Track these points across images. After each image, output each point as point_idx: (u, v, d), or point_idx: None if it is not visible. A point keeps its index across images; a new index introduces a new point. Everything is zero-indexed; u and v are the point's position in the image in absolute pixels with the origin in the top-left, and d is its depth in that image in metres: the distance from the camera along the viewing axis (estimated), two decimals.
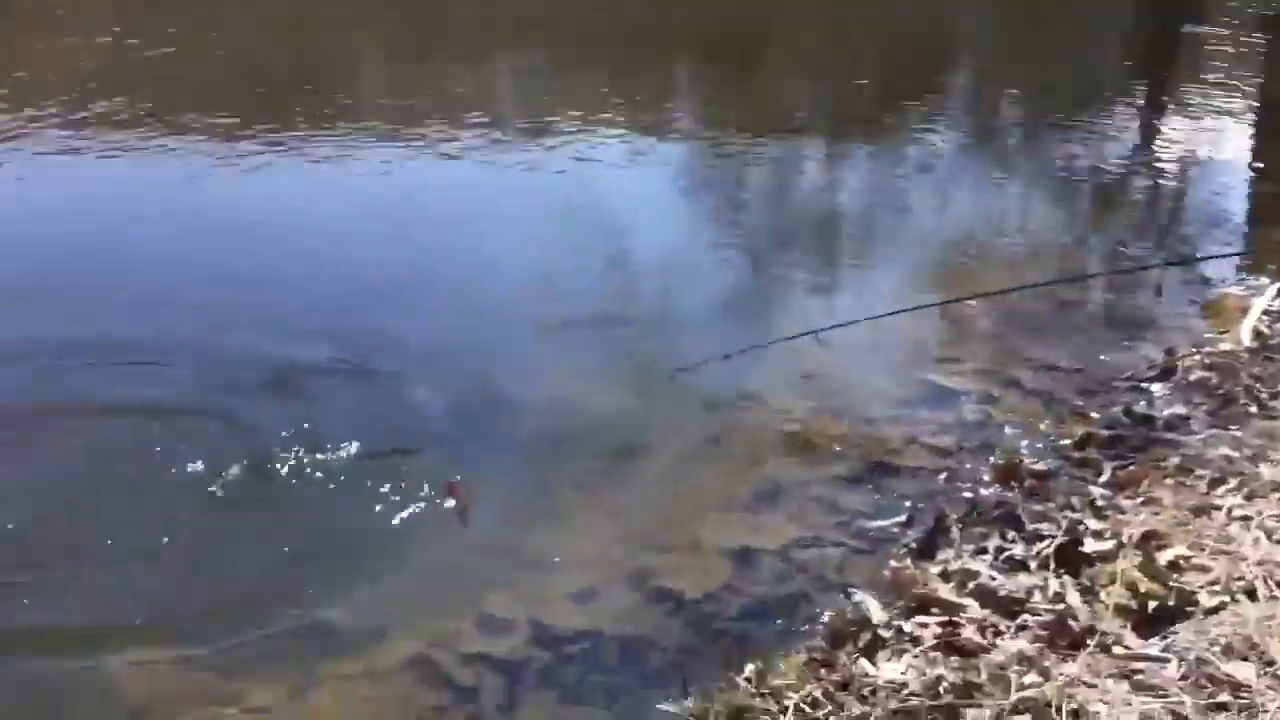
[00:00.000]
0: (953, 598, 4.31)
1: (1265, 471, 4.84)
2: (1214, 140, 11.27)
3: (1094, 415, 6.03)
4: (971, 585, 4.40)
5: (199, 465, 5.28)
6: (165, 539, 4.87)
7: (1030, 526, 4.82)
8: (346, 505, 5.12)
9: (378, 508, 5.09)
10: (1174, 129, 11.78)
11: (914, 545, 4.94)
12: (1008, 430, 5.88)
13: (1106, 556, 4.43)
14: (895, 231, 9.09)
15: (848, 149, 11.17)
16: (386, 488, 5.19)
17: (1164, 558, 4.29)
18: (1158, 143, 11.37)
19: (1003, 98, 13.28)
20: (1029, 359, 6.65)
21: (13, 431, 5.65)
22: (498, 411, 5.95)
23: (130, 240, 8.18)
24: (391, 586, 4.68)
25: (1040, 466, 5.47)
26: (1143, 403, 6.02)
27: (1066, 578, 4.41)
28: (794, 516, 5.24)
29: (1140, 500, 4.87)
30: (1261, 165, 10.49)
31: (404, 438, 5.64)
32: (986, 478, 5.48)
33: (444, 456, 5.47)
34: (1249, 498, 4.66)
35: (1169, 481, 5.01)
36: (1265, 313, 7.04)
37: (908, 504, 5.28)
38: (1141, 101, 12.87)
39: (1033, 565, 4.55)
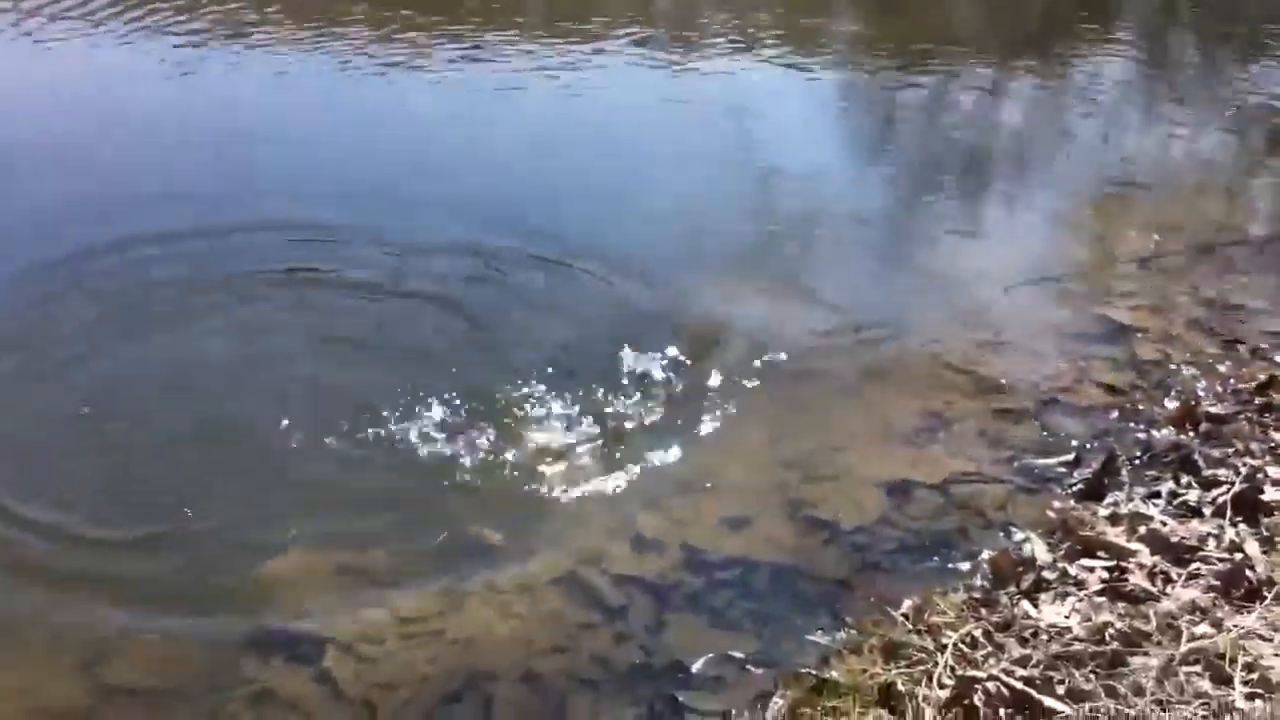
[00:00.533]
0: (1122, 542, 4.15)
1: None
2: None
3: (1277, 359, 5.66)
4: (1142, 530, 4.22)
5: None
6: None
7: (1206, 471, 4.62)
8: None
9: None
10: None
11: (1081, 486, 4.76)
12: (1185, 371, 5.59)
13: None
14: (1069, 160, 8.66)
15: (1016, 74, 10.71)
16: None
17: None
18: None
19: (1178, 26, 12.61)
20: (1212, 298, 6.28)
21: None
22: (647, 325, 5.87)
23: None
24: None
25: (1218, 410, 5.21)
26: None
27: (1244, 526, 4.21)
28: (955, 451, 5.10)
29: None
30: None
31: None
32: (1161, 419, 5.20)
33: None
34: None
35: None
36: None
37: (1076, 443, 5.07)
38: None
39: (1208, 512, 4.36)
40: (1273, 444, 4.75)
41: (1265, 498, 4.30)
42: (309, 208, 7.10)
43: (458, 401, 5.10)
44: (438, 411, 5.04)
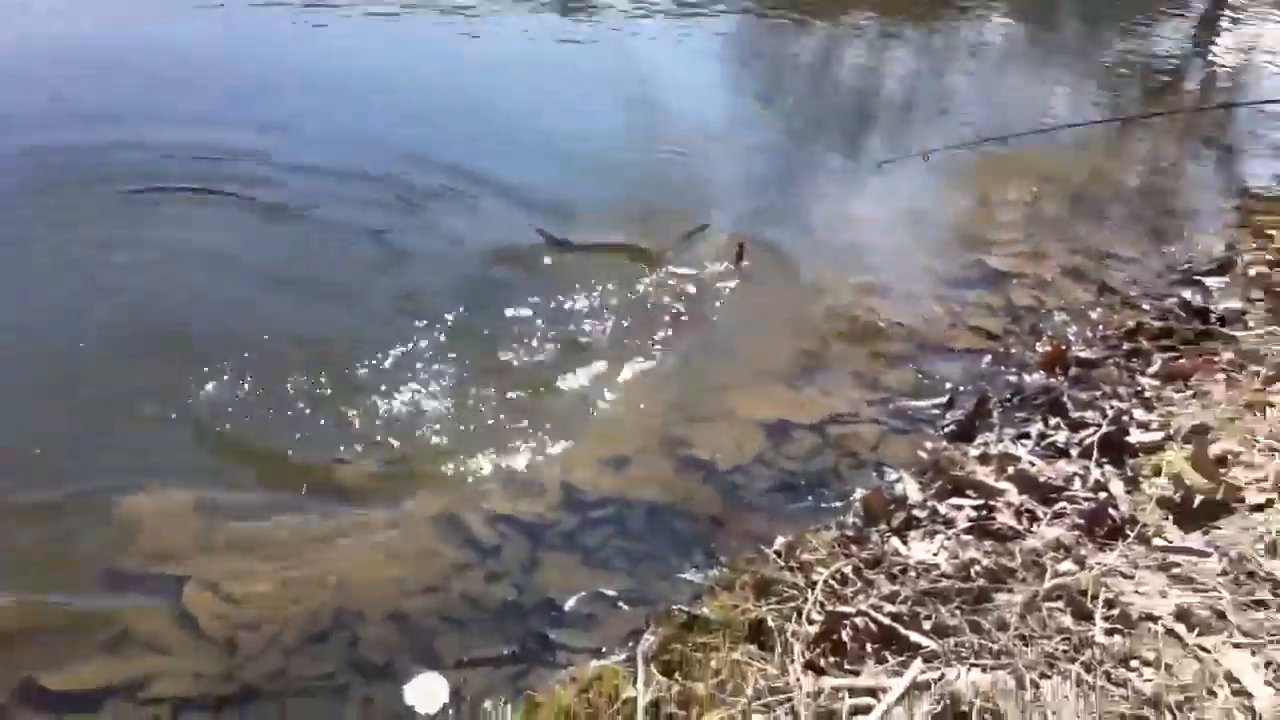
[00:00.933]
0: (990, 481, 4.20)
1: None
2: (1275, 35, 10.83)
3: (1146, 306, 5.80)
4: (1010, 470, 4.28)
5: None
6: None
7: (1075, 414, 4.69)
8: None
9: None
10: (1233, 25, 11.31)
11: (953, 427, 4.81)
12: (1058, 317, 5.68)
13: (1152, 448, 4.30)
14: (950, 111, 8.74)
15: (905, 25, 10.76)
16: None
17: (1212, 451, 4.12)
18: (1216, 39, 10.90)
19: None
20: (1086, 246, 6.40)
21: None
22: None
23: None
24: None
25: (1088, 354, 5.30)
26: (1198, 296, 5.79)
27: (1109, 467, 4.29)
28: (833, 392, 5.13)
29: (1190, 393, 4.73)
30: None
31: None
32: (1032, 363, 5.29)
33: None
34: None
35: (1220, 375, 4.86)
36: None
37: (950, 385, 5.12)
38: None
39: (1074, 453, 4.44)
40: (1139, 388, 4.81)
41: (1130, 439, 4.36)
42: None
43: (331, 335, 4.94)
44: (308, 347, 4.86)
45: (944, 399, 4.99)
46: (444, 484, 4.33)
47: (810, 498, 4.42)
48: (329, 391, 4.69)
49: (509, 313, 5.37)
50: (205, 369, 4.70)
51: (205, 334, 5.00)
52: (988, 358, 5.36)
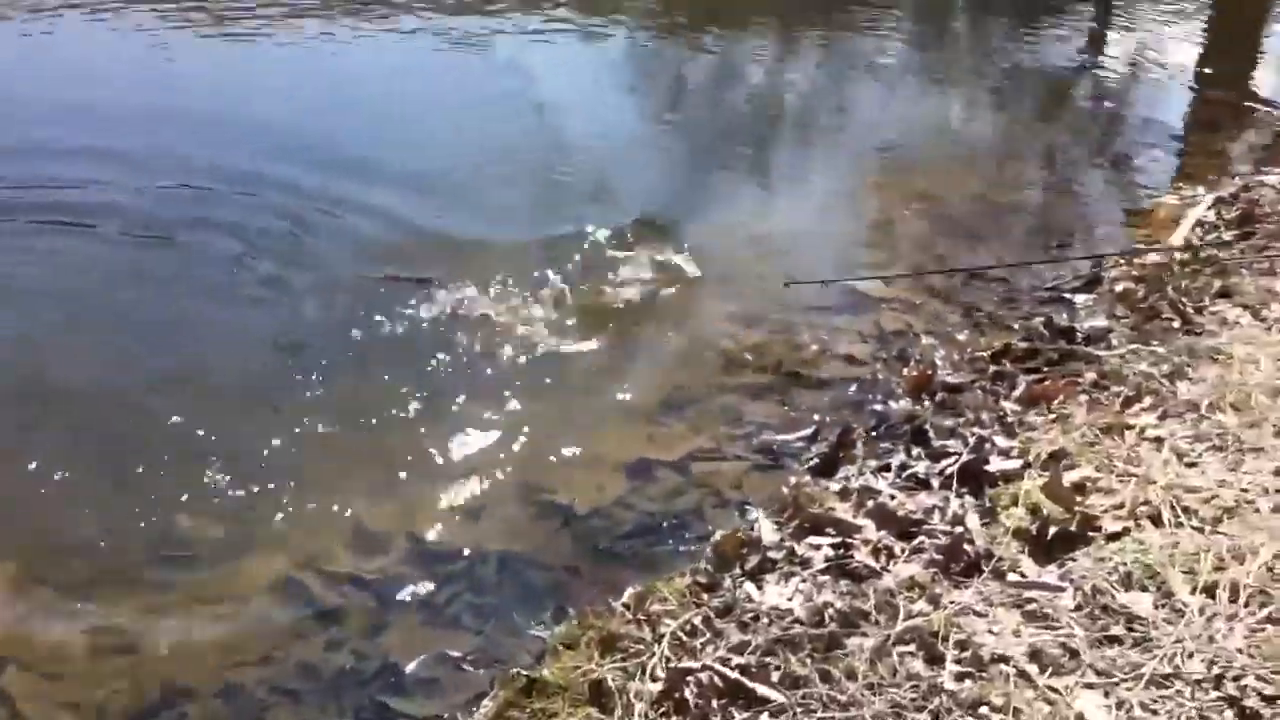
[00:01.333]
0: (849, 518, 4.10)
1: (1182, 389, 4.63)
2: (1161, 46, 10.94)
3: (1014, 326, 5.79)
4: (870, 504, 4.18)
5: None
6: None
7: (937, 442, 4.61)
8: None
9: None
10: (1122, 36, 11.42)
11: (817, 460, 4.70)
12: (925, 340, 5.62)
13: (1011, 476, 4.21)
14: (835, 131, 8.68)
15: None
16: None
17: (1069, 479, 4.08)
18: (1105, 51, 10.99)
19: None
20: (955, 266, 6.32)
21: None
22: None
23: None
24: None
25: (954, 379, 5.26)
26: (1064, 314, 5.79)
27: (968, 498, 4.21)
28: (698, 427, 4.99)
29: (1051, 417, 4.66)
30: (1209, 71, 10.15)
31: None
32: (899, 390, 5.21)
33: None
34: (1163, 417, 4.45)
35: (1083, 398, 4.80)
36: (1199, 224, 6.78)
37: (815, 417, 5.05)
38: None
39: (935, 483, 4.36)
40: (1001, 413, 4.73)
41: (990, 468, 4.29)
42: None
43: (169, 382, 4.75)
44: (146, 395, 4.68)
45: (808, 431, 4.85)
46: (285, 544, 4.14)
47: (670, 541, 4.31)
48: (163, 446, 4.43)
49: (362, 354, 5.14)
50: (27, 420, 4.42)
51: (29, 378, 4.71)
52: (854, 386, 5.22)
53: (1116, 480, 4.08)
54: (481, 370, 5.24)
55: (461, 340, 5.39)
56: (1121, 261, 6.30)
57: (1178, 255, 6.16)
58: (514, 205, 6.80)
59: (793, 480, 4.59)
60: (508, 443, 4.81)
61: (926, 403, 5.11)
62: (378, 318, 5.44)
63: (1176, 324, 5.45)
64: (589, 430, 4.94)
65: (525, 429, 4.89)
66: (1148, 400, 4.63)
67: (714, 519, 4.43)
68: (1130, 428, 4.39)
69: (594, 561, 4.21)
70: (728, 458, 4.81)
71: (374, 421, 4.79)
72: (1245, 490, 3.95)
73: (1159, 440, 4.29)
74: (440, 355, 5.26)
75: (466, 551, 4.25)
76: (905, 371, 5.38)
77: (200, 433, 4.62)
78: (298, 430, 4.67)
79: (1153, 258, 6.29)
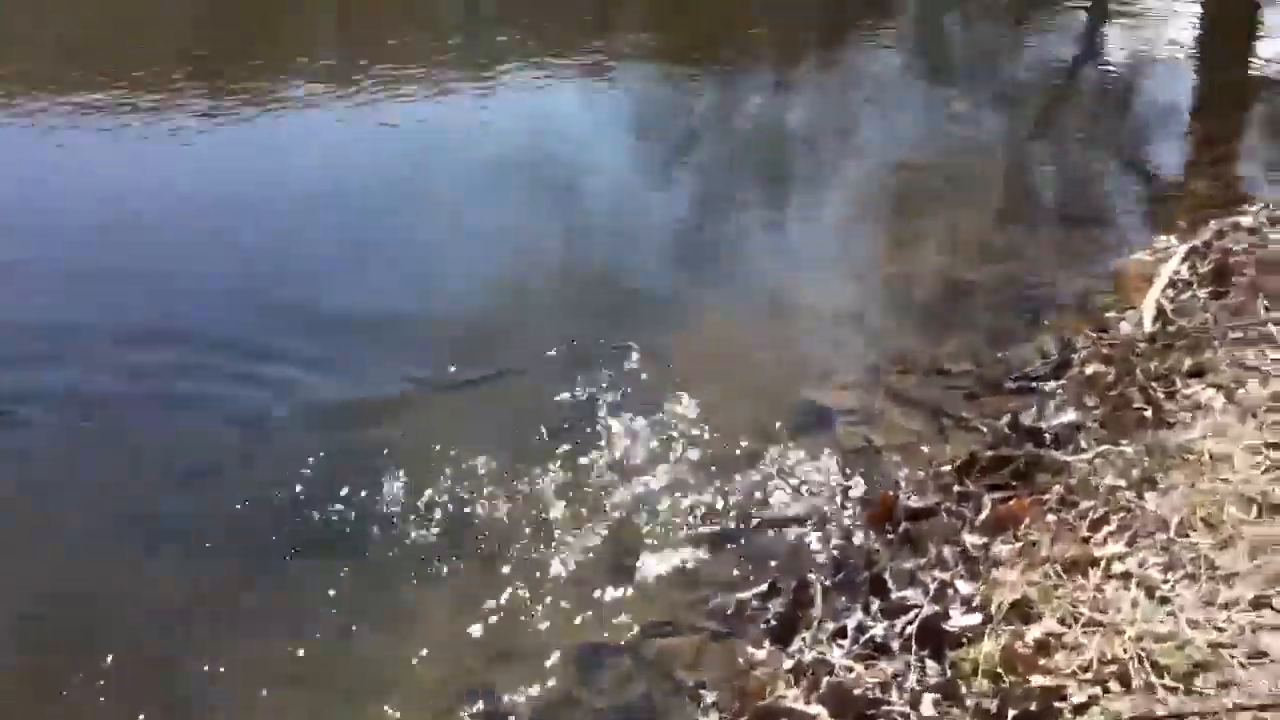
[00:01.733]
0: (801, 706, 3.79)
1: (1150, 503, 4.35)
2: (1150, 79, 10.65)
3: (981, 428, 5.45)
4: (824, 684, 3.88)
5: None
6: None
7: (896, 593, 4.33)
8: None
9: None
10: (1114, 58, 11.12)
11: (774, 623, 4.39)
12: (886, 456, 5.32)
13: (972, 635, 3.88)
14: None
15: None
16: None
17: (1032, 636, 3.76)
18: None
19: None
20: (915, 361, 6.03)
21: None
22: None
23: None
24: None
25: (917, 503, 4.94)
26: (1032, 410, 5.49)
27: (928, 663, 3.88)
28: (650, 596, 4.68)
29: (1018, 546, 4.34)
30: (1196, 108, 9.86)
31: None
32: (860, 521, 4.90)
33: None
34: (1132, 541, 4.17)
35: (1050, 518, 4.50)
36: (1171, 283, 6.47)
37: (772, 565, 4.75)
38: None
39: (895, 645, 4.05)
40: (964, 549, 4.44)
41: (950, 624, 3.97)
42: None
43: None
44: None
45: (764, 587, 4.56)
46: None
47: None
48: None
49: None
50: None
51: None
52: (813, 522, 4.91)
53: (1082, 632, 3.77)
54: (420, 553, 4.93)
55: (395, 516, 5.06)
56: (1091, 340, 5.93)
57: (1148, 327, 5.79)
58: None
59: (745, 657, 4.23)
60: (448, 639, 4.48)
61: (889, 535, 4.78)
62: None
63: (1147, 414, 5.10)
64: (532, 611, 4.63)
65: (466, 616, 4.67)
66: (1115, 521, 4.36)
67: (666, 709, 4.08)
68: (1097, 563, 4.05)
69: None
70: (681, 629, 4.49)
71: (277, 628, 4.48)
72: (1221, 630, 3.61)
73: (1127, 576, 3.96)
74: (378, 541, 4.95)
75: None
76: (865, 499, 5.00)
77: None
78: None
79: (1124, 329, 5.93)
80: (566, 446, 5.54)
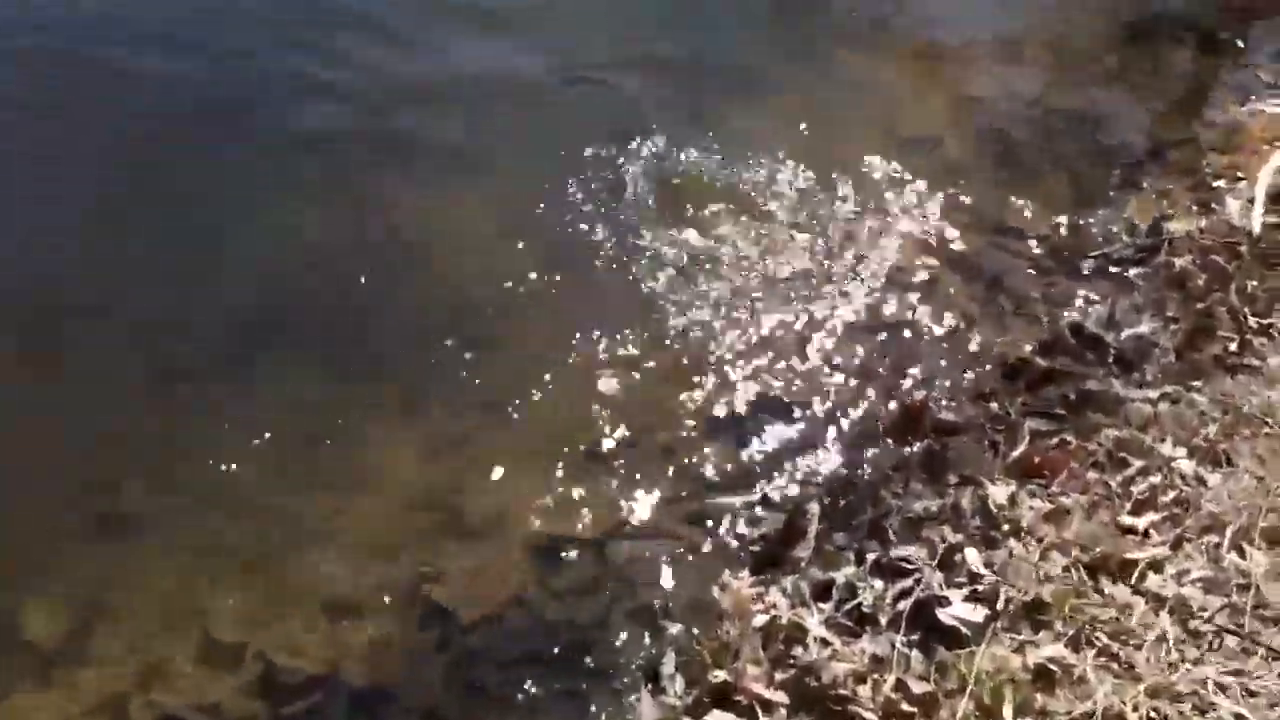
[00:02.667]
0: (761, 688, 3.35)
1: (1209, 491, 3.69)
2: None
3: (1041, 317, 4.78)
4: (792, 665, 3.42)
5: None
6: None
7: (897, 549, 3.77)
8: None
9: None
10: None
11: (760, 548, 3.93)
12: (929, 339, 4.68)
13: (969, 636, 3.39)
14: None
15: None
16: None
17: (1034, 657, 3.26)
18: None
19: None
20: (986, 214, 5.28)
21: None
22: None
23: None
24: None
25: (949, 416, 4.36)
26: (1102, 309, 4.76)
27: (916, 653, 3.40)
28: (628, 479, 4.23)
29: (1044, 511, 3.80)
30: None
31: None
32: (884, 426, 4.35)
33: None
34: (1176, 544, 3.58)
35: (1091, 477, 3.90)
36: None
37: (770, 464, 4.20)
38: None
39: (883, 620, 3.55)
40: (983, 500, 3.88)
41: (949, 613, 3.50)
42: None
43: None
44: None
45: (755, 495, 4.06)
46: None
47: (558, 680, 3.59)
48: None
49: None
50: None
51: None
52: (833, 409, 4.37)
53: (1093, 665, 3.23)
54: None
55: None
56: (1194, 204, 5.16)
57: (1256, 226, 5.00)
58: None
59: (718, 584, 3.76)
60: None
61: (911, 447, 4.21)
62: None
63: (1231, 347, 4.42)
64: (499, 477, 4.12)
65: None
66: (1163, 507, 3.71)
67: (621, 634, 3.67)
68: (1129, 568, 3.49)
69: (462, 707, 3.49)
70: (657, 533, 3.99)
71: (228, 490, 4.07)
72: (1252, 696, 3.10)
73: (1159, 599, 3.40)
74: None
75: (314, 684, 3.53)
76: (893, 406, 4.42)
77: None
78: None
79: (1227, 221, 5.14)
80: None
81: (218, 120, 5.57)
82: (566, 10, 6.43)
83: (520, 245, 4.97)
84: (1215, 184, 5.58)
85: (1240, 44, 6.61)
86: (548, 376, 4.48)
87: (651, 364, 4.59)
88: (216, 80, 5.74)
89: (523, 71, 5.94)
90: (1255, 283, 4.68)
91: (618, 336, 4.63)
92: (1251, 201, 5.21)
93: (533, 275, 4.87)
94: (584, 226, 5.04)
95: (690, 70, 6.01)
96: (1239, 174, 5.59)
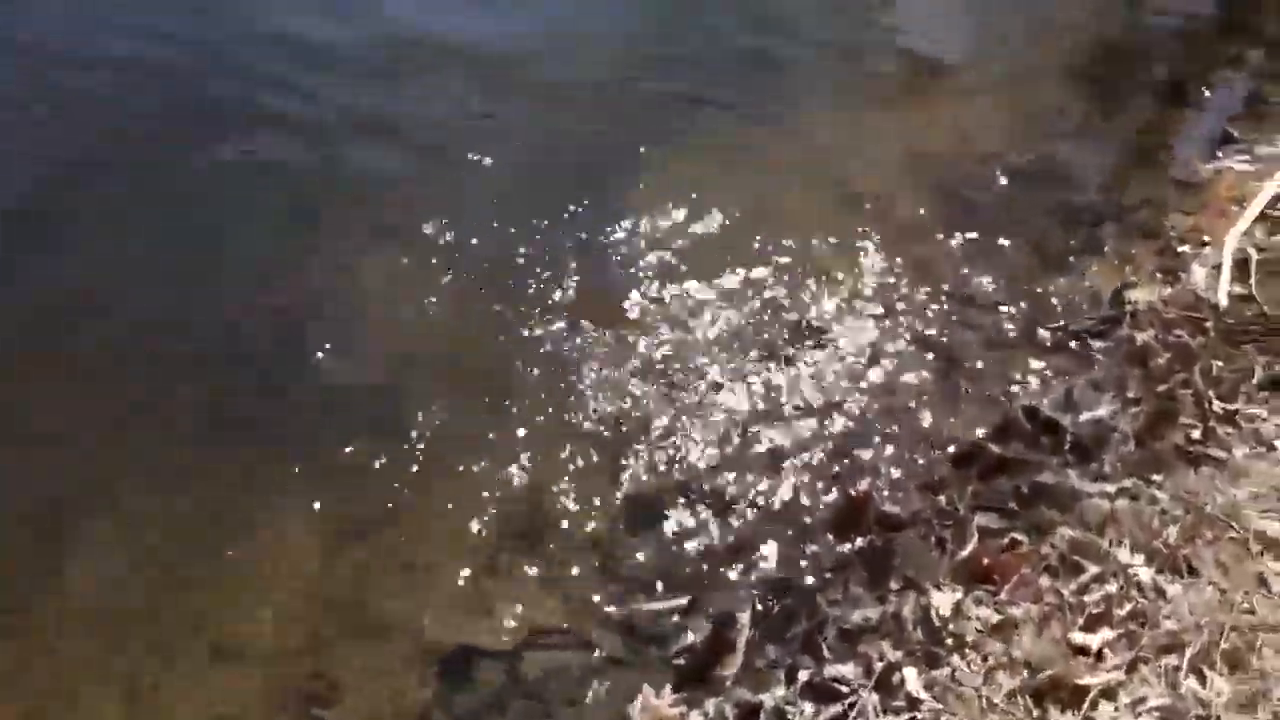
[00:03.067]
0: None
1: (1165, 614, 3.38)
2: None
3: (998, 397, 4.47)
4: None
5: None
6: None
7: (831, 667, 3.45)
8: None
9: None
10: None
11: (681, 660, 3.60)
12: (876, 420, 4.37)
13: None
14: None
15: None
16: None
17: None
18: None
19: None
20: (940, 281, 4.99)
21: None
22: None
23: None
24: None
25: (894, 509, 4.03)
26: (1058, 392, 4.44)
27: None
28: (550, 581, 3.84)
29: (991, 623, 3.48)
30: None
31: None
32: (825, 519, 4.03)
33: None
34: (1131, 668, 3.26)
35: (1043, 584, 3.61)
36: (1264, 216, 5.28)
37: (704, 567, 3.88)
38: None
39: None
40: (926, 613, 3.57)
41: None
42: None
43: None
44: None
45: (683, 601, 3.75)
46: None
47: None
48: None
49: None
50: None
51: None
52: (771, 508, 4.05)
53: None
54: None
55: None
56: (1149, 303, 4.86)
57: (1222, 299, 4.71)
58: None
59: (645, 698, 3.45)
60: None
61: (854, 543, 3.90)
62: None
63: (1193, 435, 4.12)
64: (411, 562, 3.79)
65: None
66: (1119, 622, 3.39)
67: None
68: (1080, 696, 3.17)
69: None
70: (573, 645, 3.65)
71: None
72: None
73: None
74: None
75: None
76: (835, 496, 4.11)
77: None
78: None
79: (1192, 291, 4.86)
80: None
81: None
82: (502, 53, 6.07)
83: (437, 319, 4.60)
84: (1180, 249, 5.28)
85: (1207, 93, 6.26)
86: (461, 465, 4.10)
87: (575, 452, 4.21)
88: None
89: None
90: (1220, 363, 4.38)
91: (539, 420, 4.26)
92: (1218, 269, 4.90)
93: (448, 351, 4.49)
94: (503, 305, 4.68)
95: (637, 119, 5.68)
96: (1204, 238, 5.29)
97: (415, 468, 4.14)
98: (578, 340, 4.62)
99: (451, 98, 5.80)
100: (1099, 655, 3.38)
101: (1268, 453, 4.04)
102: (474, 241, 5.02)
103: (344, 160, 5.38)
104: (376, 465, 4.13)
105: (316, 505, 4.00)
